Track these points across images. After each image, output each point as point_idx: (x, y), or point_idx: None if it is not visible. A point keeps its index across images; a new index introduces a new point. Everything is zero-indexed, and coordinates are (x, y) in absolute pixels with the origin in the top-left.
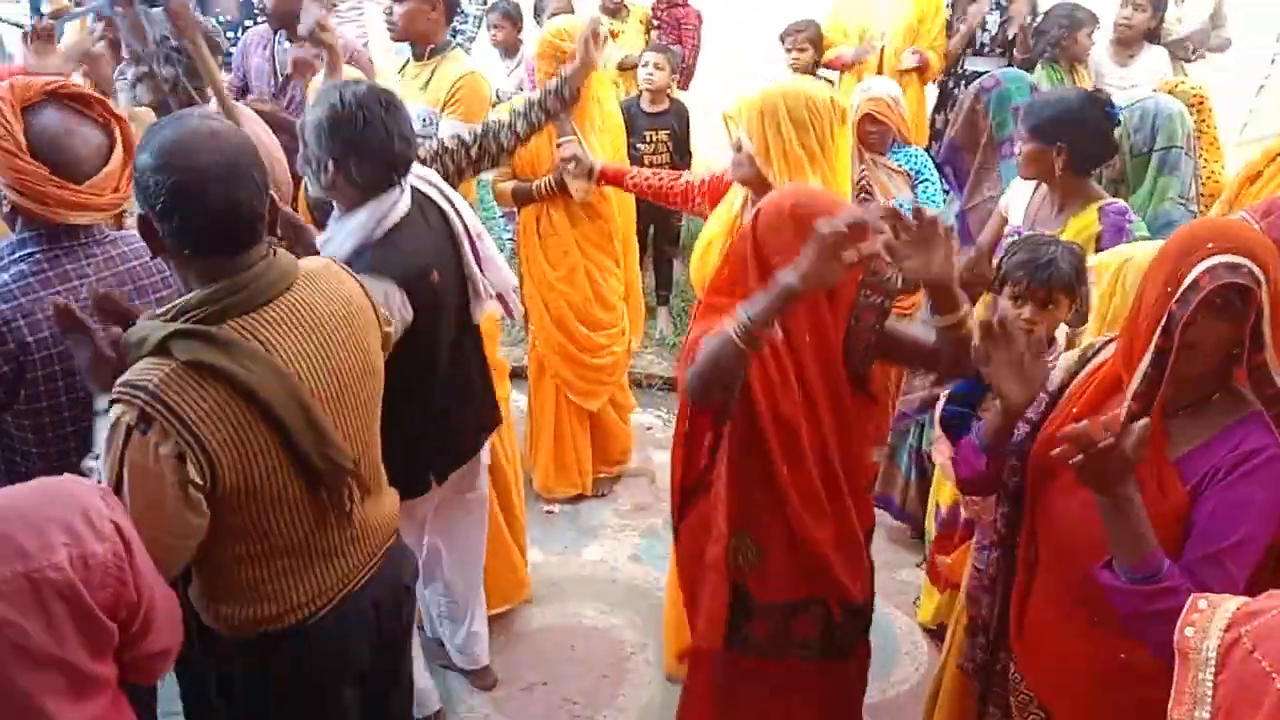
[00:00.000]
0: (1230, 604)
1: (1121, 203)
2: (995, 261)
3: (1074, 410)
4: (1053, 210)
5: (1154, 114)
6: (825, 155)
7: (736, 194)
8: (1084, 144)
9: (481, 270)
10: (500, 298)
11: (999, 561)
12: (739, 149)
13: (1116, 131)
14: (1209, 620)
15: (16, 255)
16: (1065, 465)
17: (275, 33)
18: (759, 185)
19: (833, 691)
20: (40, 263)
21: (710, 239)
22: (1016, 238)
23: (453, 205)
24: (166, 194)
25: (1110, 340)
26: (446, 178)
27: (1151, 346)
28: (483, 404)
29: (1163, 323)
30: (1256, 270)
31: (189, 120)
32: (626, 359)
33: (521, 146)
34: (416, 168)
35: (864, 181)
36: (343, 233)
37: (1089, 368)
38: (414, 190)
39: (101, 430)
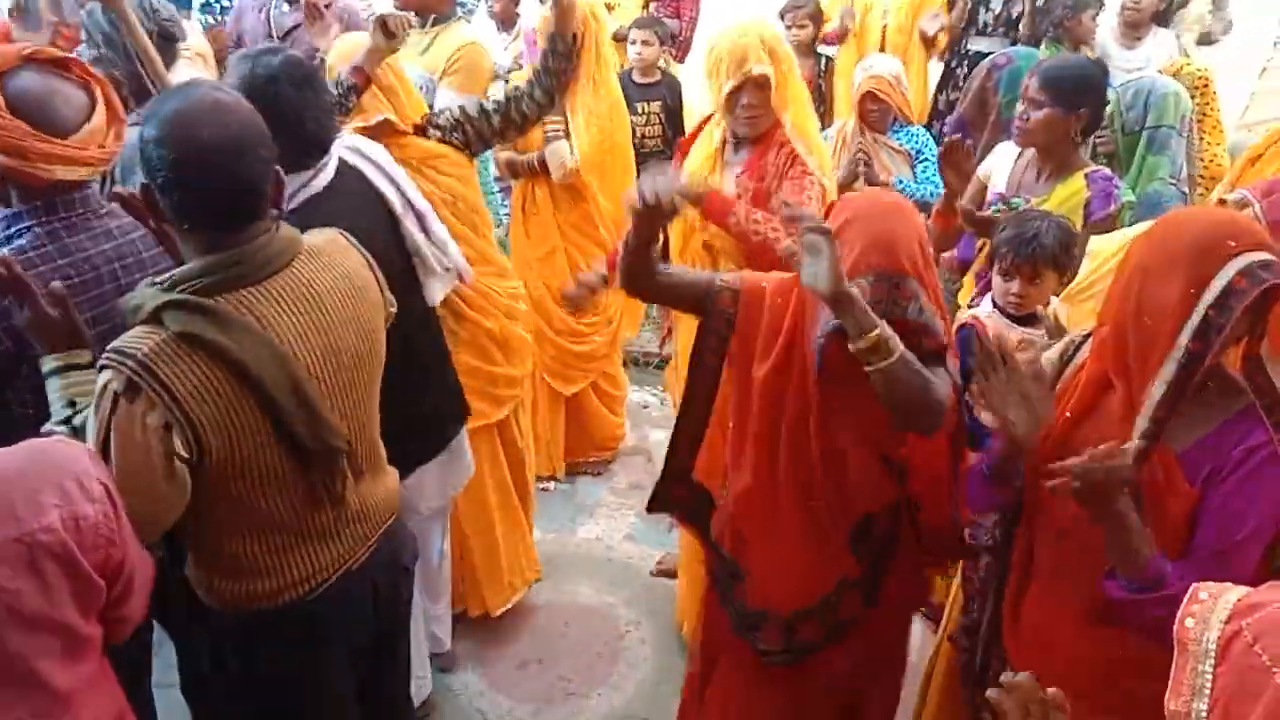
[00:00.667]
0: (1232, 594)
1: (1107, 170)
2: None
3: (1067, 413)
4: (1039, 177)
5: (1148, 92)
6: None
7: (715, 131)
8: (1097, 110)
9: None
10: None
11: (990, 567)
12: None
13: (1109, 109)
14: (1210, 611)
15: (13, 230)
16: (1064, 471)
17: None
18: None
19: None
20: (39, 237)
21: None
22: (998, 204)
23: (391, 181)
24: (169, 168)
25: (1088, 335)
26: (468, 145)
27: (1180, 352)
28: (442, 393)
29: (1195, 328)
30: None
31: (196, 91)
32: (611, 348)
33: (544, 113)
34: (357, 141)
35: (860, 155)
36: None
37: (1073, 365)
38: (344, 164)
39: (54, 394)
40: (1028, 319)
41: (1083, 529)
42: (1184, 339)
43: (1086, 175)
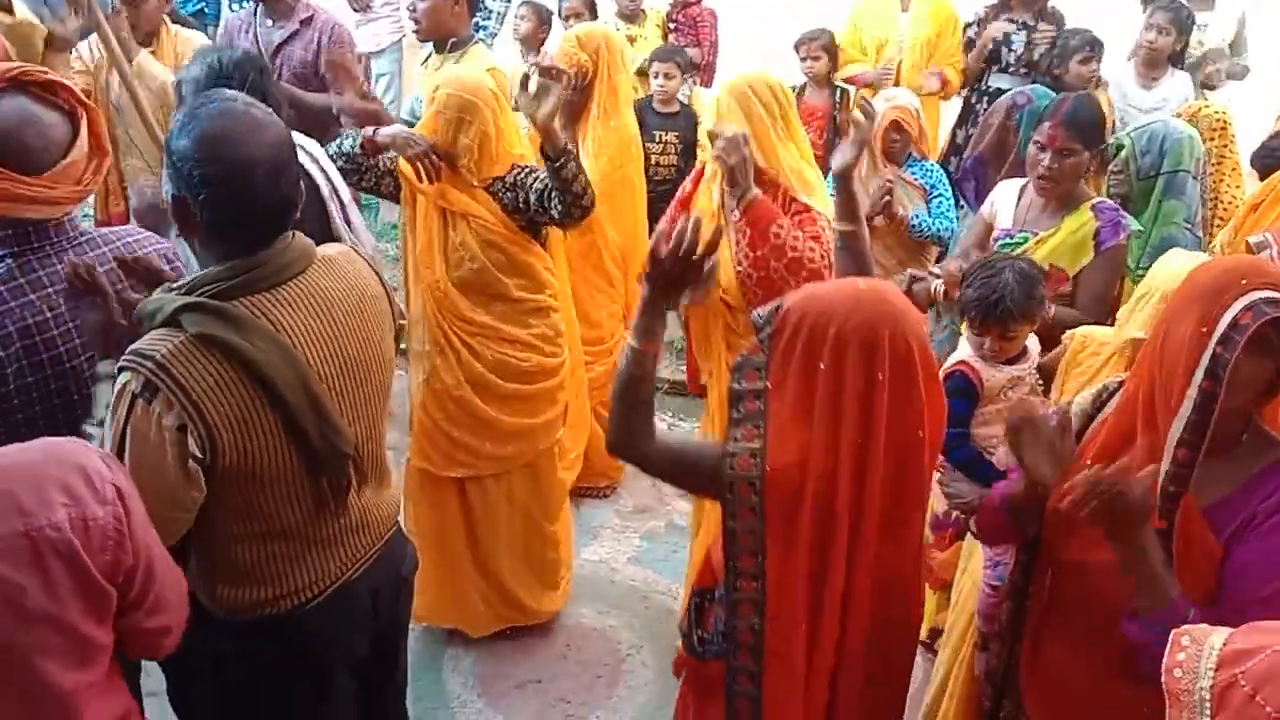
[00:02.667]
0: (1215, 639)
1: (1109, 200)
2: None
3: (1088, 461)
4: (1043, 211)
5: (1162, 137)
6: (792, 132)
7: (713, 187)
8: (1104, 146)
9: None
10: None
11: (1011, 611)
12: (719, 136)
13: (1123, 154)
14: (1196, 660)
15: None
16: (1075, 488)
17: (255, 12)
18: (743, 172)
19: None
20: (11, 270)
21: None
22: (1006, 239)
23: (320, 167)
24: (209, 184)
25: (1123, 383)
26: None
27: (1194, 390)
28: None
29: (1205, 365)
30: None
31: (231, 106)
32: (612, 378)
33: (571, 223)
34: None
35: (887, 184)
36: None
37: (1104, 413)
38: None
39: (103, 396)
40: (1016, 355)
41: (1104, 575)
42: (1198, 377)
43: (1093, 207)
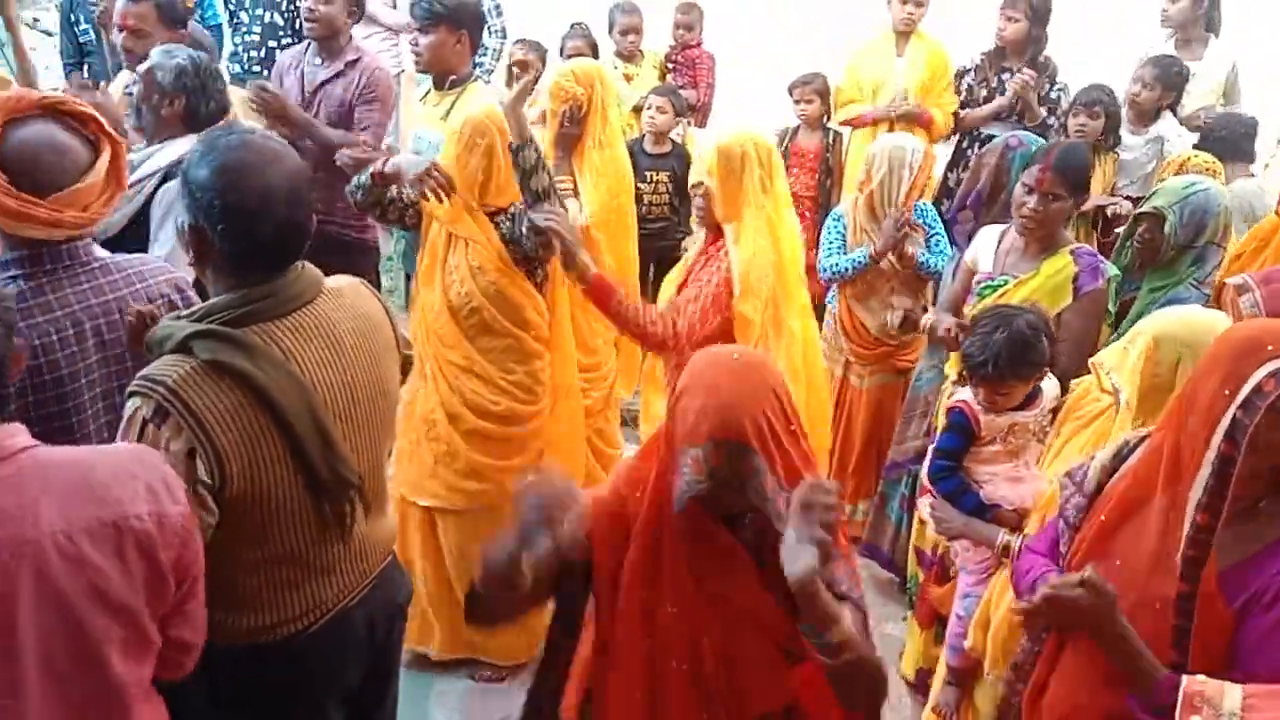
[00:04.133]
0: (1229, 702)
1: (1088, 245)
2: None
3: (1102, 516)
4: (1023, 255)
5: (1204, 211)
6: (770, 191)
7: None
8: (1083, 191)
9: None
10: None
11: (1026, 653)
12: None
13: (1167, 225)
14: None
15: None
16: (1099, 568)
17: (306, 49)
18: (710, 222)
19: None
20: (23, 292)
21: (670, 280)
22: (988, 284)
23: None
24: (227, 215)
25: (1144, 438)
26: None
27: (1214, 454)
28: None
29: (1225, 429)
30: None
31: (252, 139)
32: (607, 405)
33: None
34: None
35: (904, 218)
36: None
37: (1124, 468)
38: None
39: None
40: (1026, 399)
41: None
42: (1217, 439)
43: (1072, 252)
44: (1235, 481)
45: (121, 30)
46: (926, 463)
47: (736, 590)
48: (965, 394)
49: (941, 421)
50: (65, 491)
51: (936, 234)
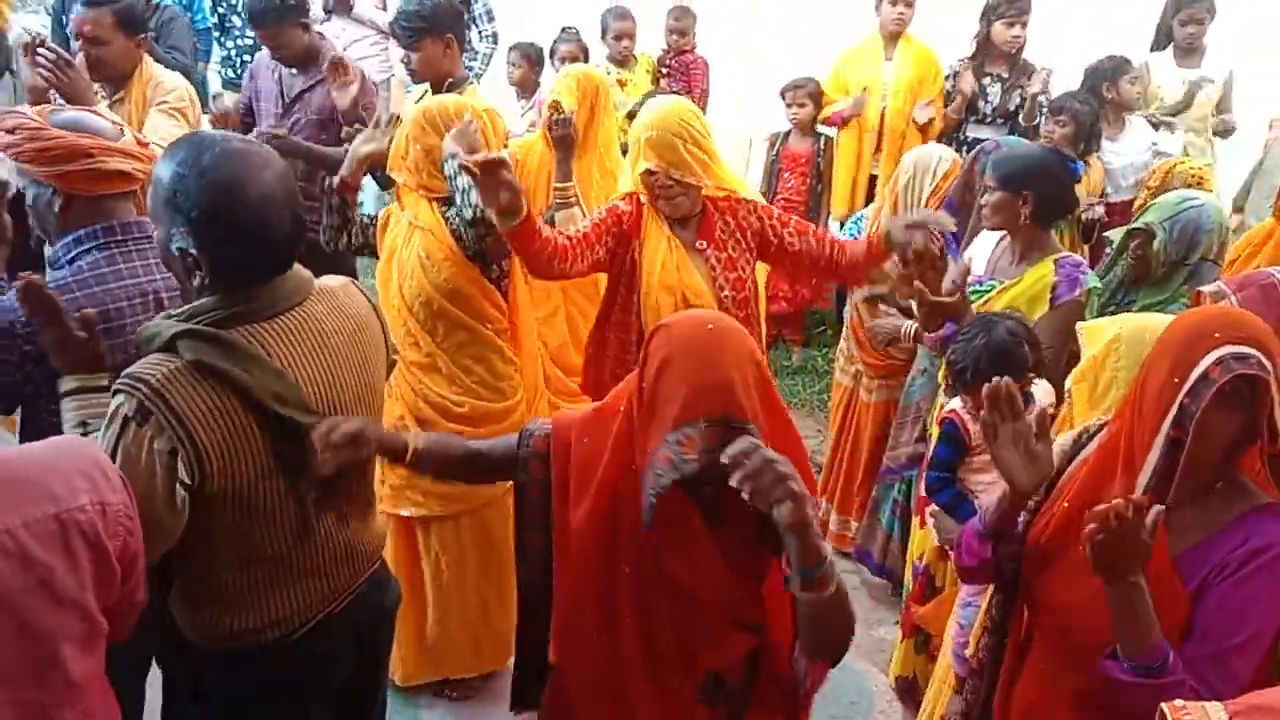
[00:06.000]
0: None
1: (1077, 256)
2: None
3: (1064, 503)
4: (1012, 261)
5: (1195, 228)
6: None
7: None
8: (1048, 193)
9: None
10: None
11: (989, 649)
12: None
13: (1156, 243)
14: None
15: (74, 253)
16: (1064, 552)
17: None
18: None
19: None
20: (98, 261)
21: None
22: (976, 286)
23: None
24: (214, 225)
25: (1103, 425)
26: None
27: (1162, 438)
28: None
29: (1173, 415)
30: (1264, 360)
31: (230, 147)
32: None
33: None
34: None
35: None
36: None
37: (1083, 454)
38: None
39: (68, 414)
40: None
41: (1081, 612)
42: (1165, 426)
43: (1056, 261)
44: (1185, 466)
45: (78, 38)
46: (923, 475)
47: (697, 573)
48: (955, 403)
49: (935, 432)
50: (1, 490)
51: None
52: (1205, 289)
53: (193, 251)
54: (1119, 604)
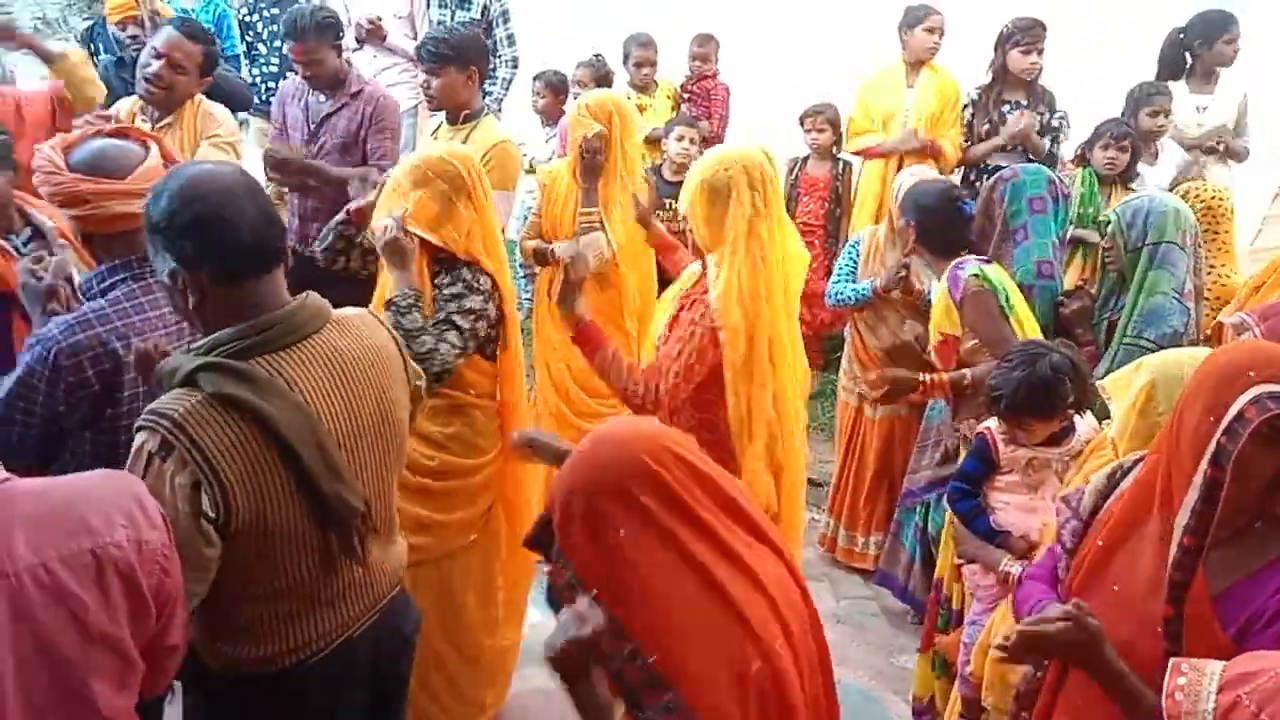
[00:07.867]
0: (1214, 666)
1: (970, 258)
2: None
3: (1099, 540)
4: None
5: (1146, 211)
6: (765, 214)
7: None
8: (930, 225)
9: None
10: None
11: (1031, 679)
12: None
13: (1109, 229)
14: (1198, 684)
15: (108, 282)
16: (1100, 589)
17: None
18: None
19: None
20: (134, 291)
21: (663, 303)
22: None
23: None
24: (191, 225)
25: (1138, 460)
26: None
27: (1200, 478)
28: None
29: (1210, 454)
30: None
31: (186, 168)
32: None
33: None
34: None
35: (905, 262)
36: None
37: (1118, 491)
38: None
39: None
40: (1058, 435)
41: (1119, 647)
42: (1203, 466)
43: (946, 276)
44: (1224, 506)
45: (159, 58)
46: (947, 494)
47: None
48: (991, 422)
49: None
50: (39, 522)
51: None
52: (1226, 320)
53: (178, 268)
54: (1104, 684)
